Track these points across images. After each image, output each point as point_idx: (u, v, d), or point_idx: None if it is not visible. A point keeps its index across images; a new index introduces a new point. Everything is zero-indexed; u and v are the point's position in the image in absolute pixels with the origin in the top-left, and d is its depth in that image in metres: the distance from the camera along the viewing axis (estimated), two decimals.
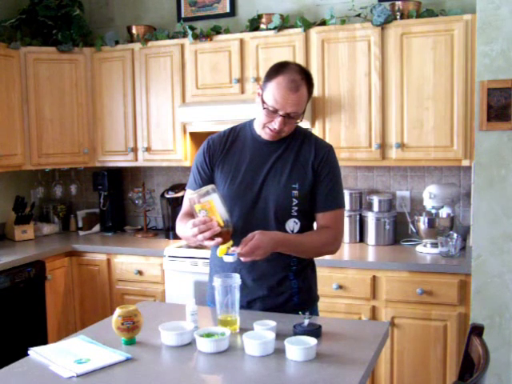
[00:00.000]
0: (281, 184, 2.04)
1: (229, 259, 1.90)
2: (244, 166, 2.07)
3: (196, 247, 3.28)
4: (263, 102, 1.98)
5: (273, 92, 1.95)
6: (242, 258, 1.89)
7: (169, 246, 3.57)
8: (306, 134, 2.14)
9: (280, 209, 2.03)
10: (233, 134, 2.14)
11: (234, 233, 1.91)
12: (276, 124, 1.97)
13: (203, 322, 2.00)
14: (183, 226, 2.03)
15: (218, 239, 1.85)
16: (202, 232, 1.84)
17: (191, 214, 1.97)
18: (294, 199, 2.03)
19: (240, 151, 2.10)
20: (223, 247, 1.89)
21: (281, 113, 1.95)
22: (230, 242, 1.89)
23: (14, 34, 3.84)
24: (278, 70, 1.97)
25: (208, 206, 1.86)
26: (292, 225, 2.05)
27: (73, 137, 3.93)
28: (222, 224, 1.86)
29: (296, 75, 1.94)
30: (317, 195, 2.06)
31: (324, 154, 2.08)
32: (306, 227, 2.09)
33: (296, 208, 2.04)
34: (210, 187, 1.90)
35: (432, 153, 3.18)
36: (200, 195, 1.87)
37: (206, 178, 2.12)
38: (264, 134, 2.05)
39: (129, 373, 1.64)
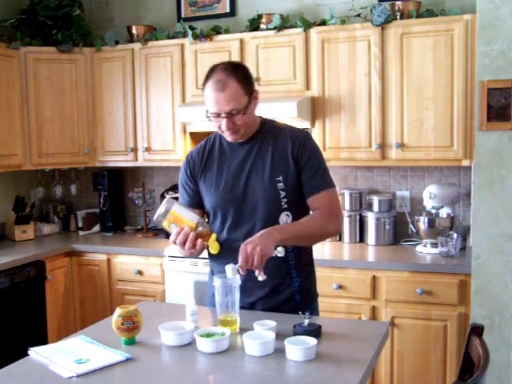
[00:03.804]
0: (265, 179, 2.05)
1: (230, 274, 1.88)
2: (225, 170, 2.10)
3: None
4: (206, 111, 2.02)
5: (207, 98, 1.99)
6: (242, 273, 1.89)
7: (169, 246, 3.57)
8: (280, 127, 2.15)
9: (269, 203, 2.04)
10: (209, 143, 2.18)
11: (234, 233, 1.92)
12: (223, 126, 1.99)
13: (203, 321, 2.00)
14: None
15: (199, 241, 1.90)
16: (183, 244, 1.90)
17: None
18: (281, 192, 2.04)
19: (218, 158, 2.13)
20: (211, 243, 1.93)
21: (222, 115, 1.97)
22: (214, 235, 1.94)
23: (14, 34, 3.83)
24: (207, 76, 2.00)
25: (172, 217, 1.92)
26: (285, 218, 2.05)
27: (73, 137, 3.93)
28: (193, 226, 1.91)
29: (221, 74, 1.96)
30: (303, 181, 2.06)
31: (300, 140, 2.08)
32: (299, 219, 2.08)
33: (285, 200, 2.04)
34: (164, 202, 1.95)
35: (432, 153, 3.18)
36: (160, 215, 1.94)
37: (192, 193, 2.16)
38: (227, 137, 2.07)
39: (129, 373, 1.64)
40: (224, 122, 1.98)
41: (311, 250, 2.22)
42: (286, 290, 2.10)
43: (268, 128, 2.12)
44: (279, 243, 1.91)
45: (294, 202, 2.06)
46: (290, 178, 2.04)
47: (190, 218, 1.92)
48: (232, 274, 1.86)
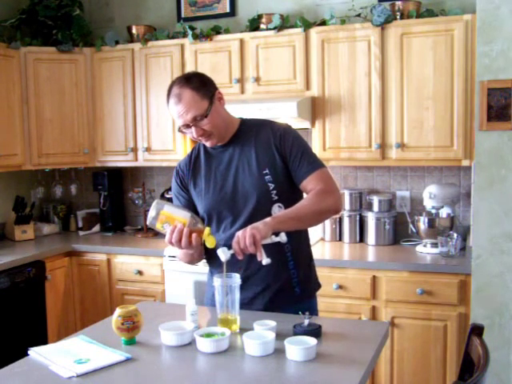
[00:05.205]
0: (252, 174, 2.08)
1: (222, 257, 1.89)
2: (212, 174, 2.14)
3: None
4: (178, 127, 2.09)
5: (172, 114, 2.10)
6: (239, 257, 1.88)
7: (169, 245, 3.56)
8: (260, 122, 2.19)
9: (259, 197, 2.06)
10: (194, 151, 2.24)
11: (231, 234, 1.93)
12: (194, 134, 2.05)
13: (203, 321, 2.00)
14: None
15: (194, 235, 1.91)
16: (178, 241, 1.91)
17: None
18: (269, 184, 2.06)
19: (205, 164, 2.18)
20: (205, 237, 1.92)
21: (190, 124, 2.03)
22: (207, 229, 1.94)
23: (13, 34, 3.84)
24: (167, 94, 2.10)
25: (164, 217, 1.94)
26: (277, 210, 2.07)
27: (73, 137, 3.93)
28: (186, 223, 1.92)
29: (175, 89, 2.05)
30: (292, 170, 2.08)
31: (281, 131, 2.11)
32: None
33: (275, 192, 2.06)
34: (154, 204, 1.96)
35: (432, 153, 3.18)
36: (152, 218, 1.95)
37: (186, 201, 2.20)
38: (205, 144, 2.13)
39: (129, 373, 1.64)
40: (193, 131, 2.04)
41: (309, 243, 2.24)
42: (285, 282, 2.11)
43: (248, 126, 2.16)
44: (275, 229, 1.89)
45: (285, 193, 2.08)
46: (277, 169, 2.07)
47: (182, 215, 1.94)
48: (224, 256, 1.87)
